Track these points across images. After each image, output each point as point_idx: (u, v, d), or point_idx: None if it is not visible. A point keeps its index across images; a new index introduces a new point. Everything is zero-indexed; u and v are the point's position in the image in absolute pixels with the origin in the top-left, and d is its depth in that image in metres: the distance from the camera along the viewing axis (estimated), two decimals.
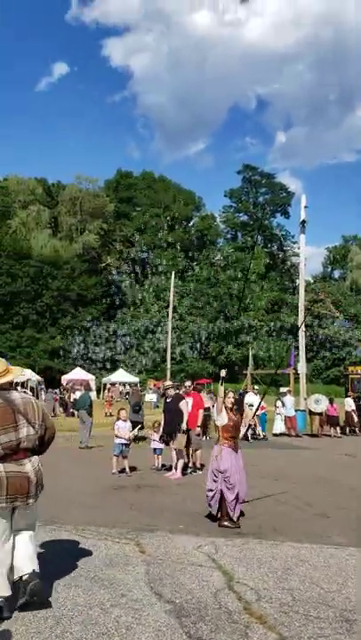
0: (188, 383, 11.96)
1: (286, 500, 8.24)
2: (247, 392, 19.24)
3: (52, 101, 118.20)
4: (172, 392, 10.74)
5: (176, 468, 10.19)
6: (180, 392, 11.05)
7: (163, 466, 10.94)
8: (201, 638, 3.57)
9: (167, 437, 10.46)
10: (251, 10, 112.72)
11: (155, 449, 11.06)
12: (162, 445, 11.00)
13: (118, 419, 10.91)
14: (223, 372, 8.59)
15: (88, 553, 5.35)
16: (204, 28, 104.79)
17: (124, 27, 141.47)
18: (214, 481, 6.80)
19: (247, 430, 17.02)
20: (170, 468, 10.45)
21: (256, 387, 22.20)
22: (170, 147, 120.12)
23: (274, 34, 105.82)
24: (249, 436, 16.78)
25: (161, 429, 10.85)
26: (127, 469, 10.34)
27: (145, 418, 15.81)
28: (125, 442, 10.43)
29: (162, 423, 10.86)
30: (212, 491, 6.81)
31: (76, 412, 24.15)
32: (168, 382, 11.06)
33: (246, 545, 5.75)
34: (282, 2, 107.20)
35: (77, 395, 25.69)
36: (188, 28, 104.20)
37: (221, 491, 6.64)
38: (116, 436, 10.50)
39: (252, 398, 18.00)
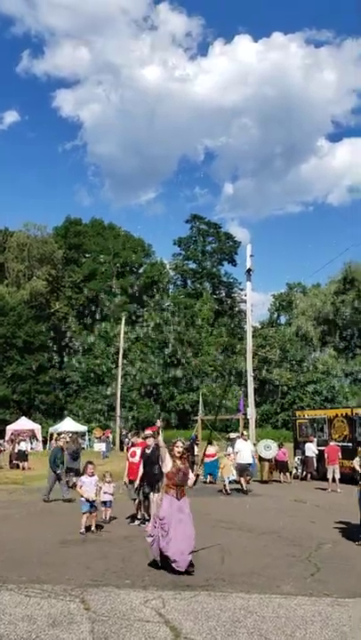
0: (130, 434, 11.60)
1: (235, 550, 8.17)
2: (197, 437, 18.98)
3: (1, 148, 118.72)
4: (151, 441, 10.14)
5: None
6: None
7: (112, 518, 10.64)
8: None
9: (148, 488, 9.98)
10: (199, 67, 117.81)
11: (104, 501, 10.61)
12: (112, 498, 10.69)
13: (83, 473, 10.32)
14: (158, 422, 8.88)
15: (30, 613, 5.11)
16: (154, 81, 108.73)
17: (74, 79, 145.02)
18: (154, 527, 6.82)
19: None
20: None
21: (245, 432, 21.65)
22: (120, 195, 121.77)
23: (221, 90, 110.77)
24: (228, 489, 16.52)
25: (138, 480, 10.31)
26: (93, 527, 9.64)
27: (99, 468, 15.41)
28: (92, 500, 9.78)
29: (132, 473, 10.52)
30: (152, 537, 6.82)
31: (21, 464, 23.56)
32: (148, 431, 10.78)
33: (195, 598, 5.65)
34: (228, 62, 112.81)
35: (22, 445, 24.90)
36: (138, 82, 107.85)
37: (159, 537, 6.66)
38: (82, 495, 9.79)
39: (240, 445, 17.67)
